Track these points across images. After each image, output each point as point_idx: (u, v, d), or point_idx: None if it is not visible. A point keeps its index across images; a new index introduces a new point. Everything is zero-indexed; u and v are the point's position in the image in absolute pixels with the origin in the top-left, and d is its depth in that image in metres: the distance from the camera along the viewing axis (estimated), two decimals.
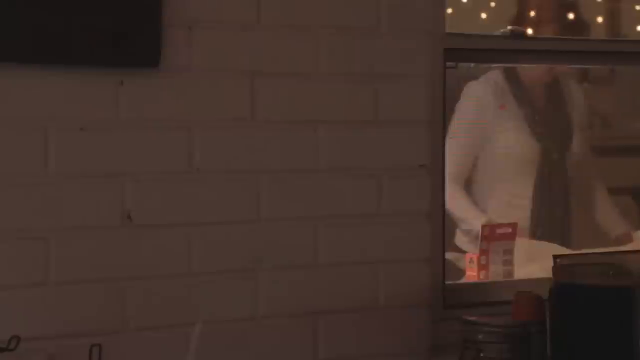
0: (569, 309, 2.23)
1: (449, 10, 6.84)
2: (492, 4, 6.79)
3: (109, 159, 2.19)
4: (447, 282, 2.70)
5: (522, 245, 3.40)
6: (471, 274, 2.88)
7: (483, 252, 2.86)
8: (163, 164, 2.25)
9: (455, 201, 3.71)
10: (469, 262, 2.88)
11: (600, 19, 6.58)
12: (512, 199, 3.77)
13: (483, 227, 2.89)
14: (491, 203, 3.85)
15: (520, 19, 4.04)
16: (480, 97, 3.84)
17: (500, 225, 2.93)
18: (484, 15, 6.74)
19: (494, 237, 2.87)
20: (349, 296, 2.47)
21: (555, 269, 2.39)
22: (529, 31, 3.79)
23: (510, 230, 2.91)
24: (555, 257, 2.77)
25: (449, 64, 2.67)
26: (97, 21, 2.12)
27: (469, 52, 2.74)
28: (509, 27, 2.78)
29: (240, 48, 2.33)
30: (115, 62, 2.15)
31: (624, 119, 6.95)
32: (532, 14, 4.10)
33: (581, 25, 4.15)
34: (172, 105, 2.25)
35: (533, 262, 3.17)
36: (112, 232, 2.19)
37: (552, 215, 3.81)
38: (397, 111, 2.52)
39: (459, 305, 2.68)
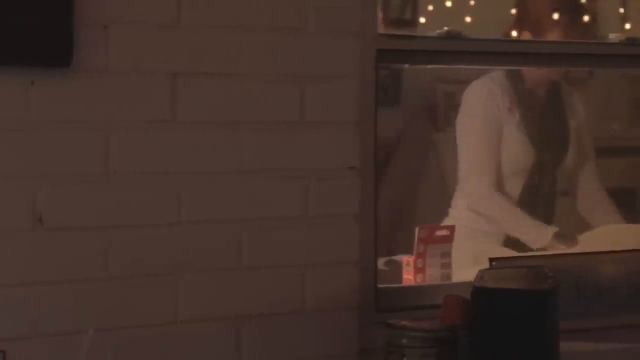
0: (486, 313, 2.15)
1: (430, 7, 6.79)
2: (472, 3, 6.71)
3: (19, 161, 2.10)
4: (380, 286, 2.64)
5: (470, 248, 3.32)
6: (408, 277, 2.80)
7: (420, 255, 2.77)
8: (77, 165, 2.16)
9: (509, 213, 3.55)
10: (406, 265, 2.80)
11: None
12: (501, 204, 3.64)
13: (420, 229, 2.80)
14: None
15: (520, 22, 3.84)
16: (489, 97, 3.61)
17: (437, 228, 2.84)
18: (468, 19, 6.67)
19: (431, 239, 2.79)
20: (275, 299, 2.39)
21: (478, 273, 2.32)
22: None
23: (448, 232, 2.83)
24: (491, 260, 2.71)
25: (381, 65, 2.60)
26: (5, 19, 2.04)
27: (403, 54, 2.66)
28: (445, 28, 2.71)
29: (160, 48, 2.24)
30: (24, 62, 2.07)
31: (599, 121, 6.89)
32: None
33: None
34: (87, 106, 2.17)
35: (479, 265, 3.08)
36: (21, 235, 2.11)
37: None
38: (325, 112, 2.44)
39: (393, 308, 2.61)
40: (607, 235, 3.31)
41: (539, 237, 3.41)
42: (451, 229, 2.84)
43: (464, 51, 2.72)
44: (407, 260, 2.80)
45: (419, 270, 2.78)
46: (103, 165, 2.19)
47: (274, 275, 2.39)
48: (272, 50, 2.37)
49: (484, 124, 3.58)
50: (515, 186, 3.61)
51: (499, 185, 3.56)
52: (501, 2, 6.52)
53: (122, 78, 2.21)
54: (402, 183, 6.59)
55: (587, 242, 3.26)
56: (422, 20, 6.79)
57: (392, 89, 7.00)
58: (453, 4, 6.70)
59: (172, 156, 2.27)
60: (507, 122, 3.61)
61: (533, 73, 3.64)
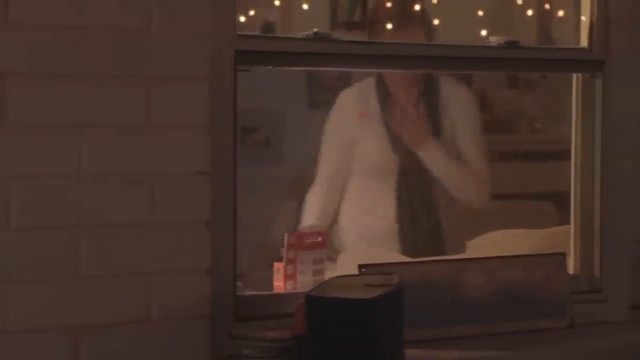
0: (315, 321, 2.01)
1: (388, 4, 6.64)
2: (434, 1, 6.57)
3: None
4: (240, 294, 2.49)
5: (357, 253, 3.20)
6: (278, 285, 2.65)
7: (290, 261, 2.62)
8: None
9: (305, 208, 3.55)
10: (276, 271, 2.65)
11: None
12: (372, 207, 3.58)
13: (289, 235, 2.65)
14: (351, 211, 3.66)
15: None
16: (341, 104, 3.64)
17: (308, 234, 2.69)
18: (436, 22, 6.52)
19: (302, 246, 2.64)
20: (118, 309, 2.23)
21: (324, 281, 2.18)
22: None
23: (320, 239, 2.68)
24: (360, 266, 2.58)
25: (241, 67, 2.46)
26: None
27: (266, 55, 2.51)
28: (315, 30, 2.56)
29: None
30: None
31: (552, 124, 6.78)
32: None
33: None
34: None
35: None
36: None
37: (413, 225, 3.60)
38: (173, 115, 2.29)
39: (254, 317, 2.47)
40: (497, 240, 3.17)
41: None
42: (323, 235, 2.69)
43: (332, 53, 2.58)
44: (277, 267, 2.65)
45: (289, 277, 2.63)
46: None
47: (117, 284, 2.24)
48: (113, 50, 2.21)
49: (333, 132, 3.59)
50: (388, 188, 3.56)
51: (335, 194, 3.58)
52: (468, 3, 6.43)
53: None
54: None
55: (475, 248, 3.11)
56: (389, 25, 6.65)
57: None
58: (422, 7, 6.55)
59: (1, 159, 2.12)
60: (365, 126, 3.58)
61: (398, 74, 3.58)
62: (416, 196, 3.57)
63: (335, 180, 3.58)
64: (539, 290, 2.74)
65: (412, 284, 2.59)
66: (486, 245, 3.15)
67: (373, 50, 2.61)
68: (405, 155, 3.56)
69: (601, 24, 2.87)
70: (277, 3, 5.79)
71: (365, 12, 6.96)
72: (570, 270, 2.91)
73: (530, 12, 6.38)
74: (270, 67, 2.52)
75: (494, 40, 2.79)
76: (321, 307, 1.98)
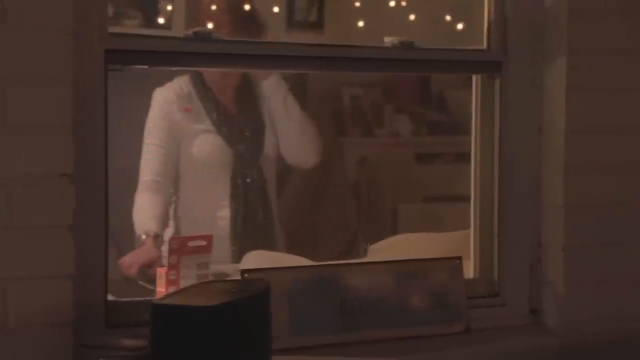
0: (158, 329, 1.87)
1: (357, 3, 6.49)
2: (403, 4, 6.44)
3: None
4: (112, 299, 2.35)
5: (260, 257, 3.06)
6: (160, 290, 2.49)
7: (172, 266, 2.47)
8: None
9: (136, 209, 3.43)
10: (158, 277, 2.50)
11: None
12: (215, 207, 3.47)
13: (171, 240, 2.50)
14: (191, 213, 3.55)
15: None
16: (163, 102, 3.54)
17: (192, 238, 2.53)
18: (412, 17, 6.39)
19: (185, 250, 2.49)
20: None
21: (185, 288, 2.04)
22: None
23: (204, 243, 2.53)
24: (243, 271, 2.45)
25: (114, 66, 2.31)
26: None
27: (139, 54, 2.36)
28: (195, 29, 2.42)
29: None
30: None
31: None
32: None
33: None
34: None
35: None
36: None
37: (250, 224, 3.55)
38: (33, 115, 2.13)
39: (128, 324, 2.32)
40: (400, 244, 3.03)
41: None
42: (208, 239, 2.53)
43: (211, 53, 2.43)
44: (159, 272, 2.50)
45: (171, 282, 2.47)
46: None
47: None
48: None
49: (159, 130, 3.50)
50: (223, 181, 3.51)
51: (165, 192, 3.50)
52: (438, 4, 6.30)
53: None
54: (304, 190, 6.33)
55: (377, 252, 2.97)
56: (361, 24, 6.52)
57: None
58: (396, 3, 6.42)
59: None
60: (191, 124, 3.52)
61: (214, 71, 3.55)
62: (251, 192, 3.49)
63: (165, 180, 3.48)
64: (434, 295, 2.61)
65: (298, 288, 2.47)
66: (388, 248, 3.01)
67: (259, 51, 2.47)
68: (236, 153, 3.54)
69: (499, 25, 2.73)
70: (247, 7, 5.69)
71: (321, 12, 6.83)
72: (470, 274, 2.78)
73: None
74: (146, 66, 2.38)
75: (388, 40, 2.64)
76: (162, 314, 1.84)
